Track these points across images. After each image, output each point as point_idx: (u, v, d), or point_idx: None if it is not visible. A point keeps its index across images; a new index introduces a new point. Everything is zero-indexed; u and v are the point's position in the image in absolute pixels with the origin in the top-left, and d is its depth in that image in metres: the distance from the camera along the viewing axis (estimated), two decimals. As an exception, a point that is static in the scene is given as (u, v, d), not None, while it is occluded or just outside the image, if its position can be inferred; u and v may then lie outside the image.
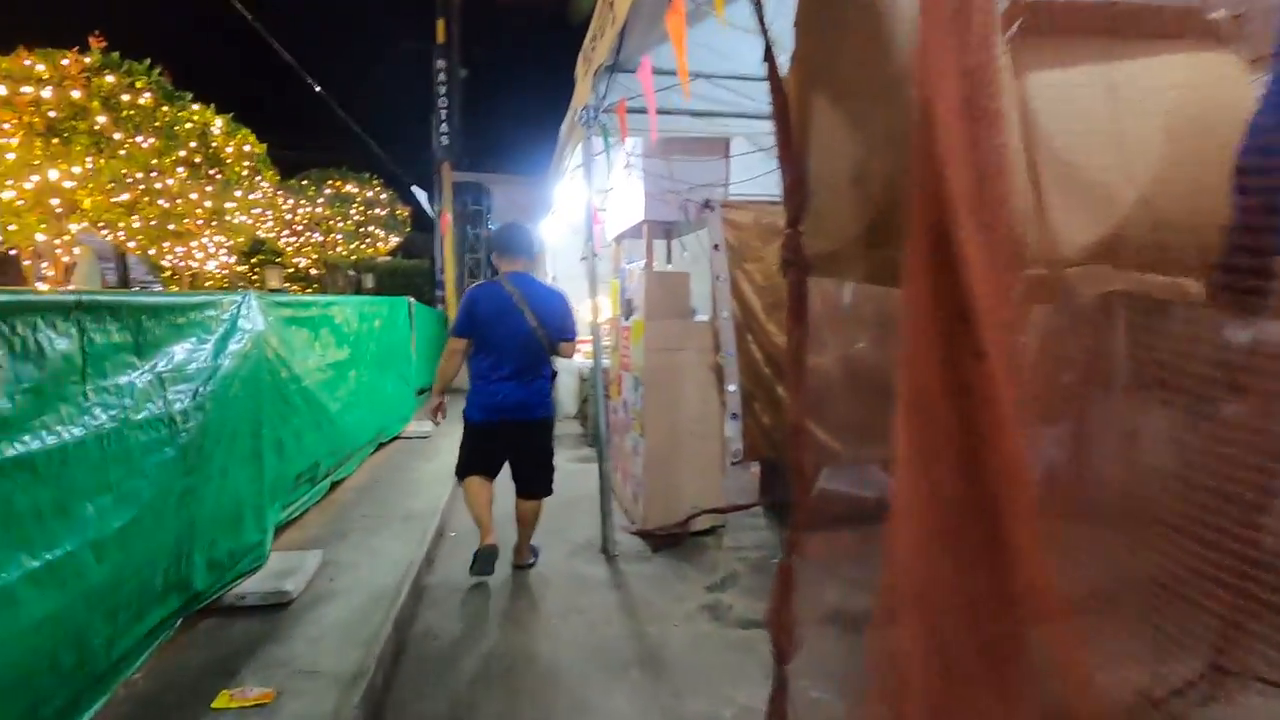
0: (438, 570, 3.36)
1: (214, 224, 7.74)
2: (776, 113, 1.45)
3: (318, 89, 7.62)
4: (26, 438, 1.63)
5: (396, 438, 6.07)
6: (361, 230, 13.77)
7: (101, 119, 5.86)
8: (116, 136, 6.00)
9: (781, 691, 1.62)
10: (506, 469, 3.29)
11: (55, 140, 5.63)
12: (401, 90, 17.63)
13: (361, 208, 13.83)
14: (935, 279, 0.64)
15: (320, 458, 4.00)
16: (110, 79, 6.04)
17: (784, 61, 1.46)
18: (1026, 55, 1.11)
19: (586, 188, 3.78)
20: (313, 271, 14.08)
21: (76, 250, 6.82)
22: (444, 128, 11.96)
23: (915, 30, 1.01)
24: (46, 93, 5.61)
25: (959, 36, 0.62)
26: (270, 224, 10.94)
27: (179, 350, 2.40)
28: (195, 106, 7.16)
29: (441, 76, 11.95)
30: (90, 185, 5.94)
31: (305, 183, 13.38)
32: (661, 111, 3.33)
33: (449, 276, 11.59)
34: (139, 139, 6.25)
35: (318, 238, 13.25)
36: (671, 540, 3.64)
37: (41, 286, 6.19)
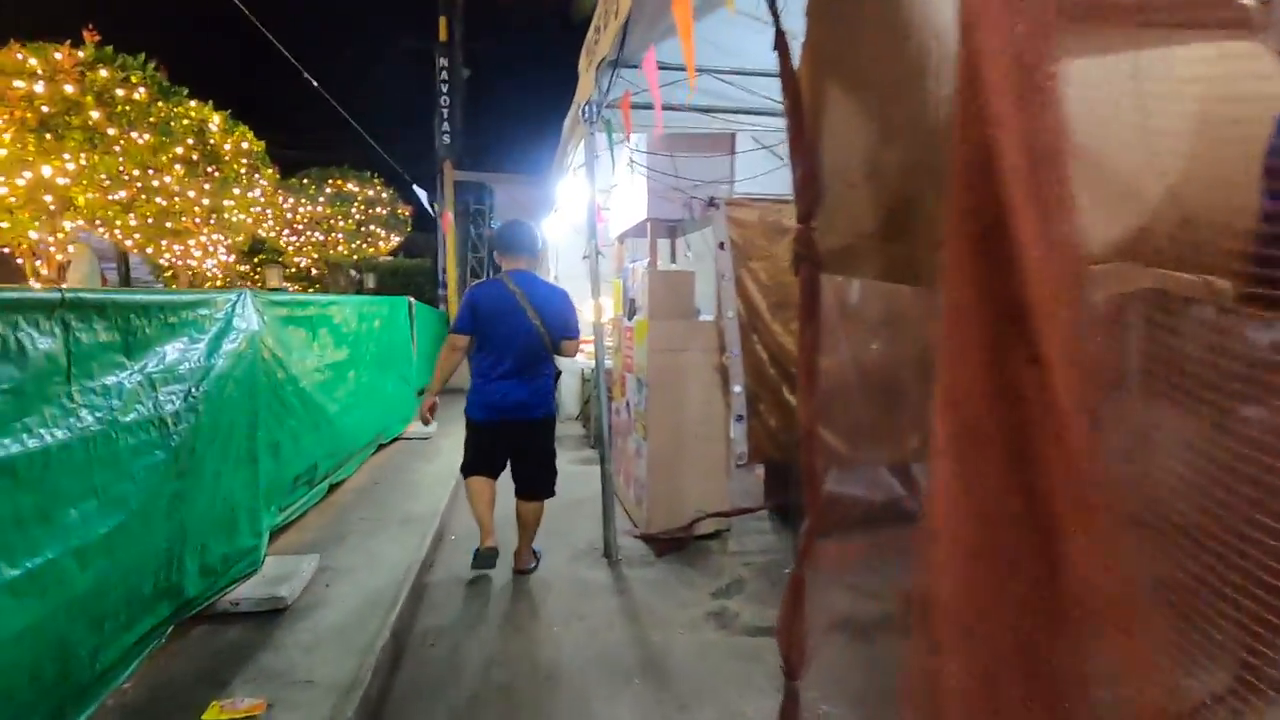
0: (437, 574, 3.29)
1: (212, 222, 7.67)
2: (788, 104, 1.39)
3: (315, 84, 7.53)
4: (6, 441, 1.57)
5: (397, 438, 6.01)
6: (363, 229, 13.70)
7: (95, 114, 5.78)
8: (110, 132, 5.92)
9: (792, 706, 1.56)
10: (508, 469, 3.27)
11: (48, 136, 5.55)
12: (403, 89, 17.58)
13: (363, 206, 13.76)
14: (981, 274, 0.57)
15: (318, 459, 3.94)
16: (104, 74, 5.94)
17: (795, 50, 1.39)
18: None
19: (589, 185, 3.72)
20: (314, 271, 14.02)
21: (71, 248, 6.75)
22: (446, 126, 11.92)
23: (940, 8, 0.94)
24: (39, 87, 5.52)
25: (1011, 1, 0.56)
26: (270, 223, 10.86)
27: (170, 350, 2.33)
28: (192, 103, 7.09)
29: (444, 75, 11.91)
30: (85, 182, 5.87)
31: (306, 181, 13.32)
32: (666, 107, 3.26)
33: (451, 276, 11.53)
34: (134, 135, 6.18)
35: (319, 237, 13.18)
36: (675, 544, 3.58)
37: (35, 285, 6.13)
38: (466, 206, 13.12)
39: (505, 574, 3.25)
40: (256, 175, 8.48)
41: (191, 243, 7.80)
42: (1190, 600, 0.70)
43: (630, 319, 4.04)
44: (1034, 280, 0.52)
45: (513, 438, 3.18)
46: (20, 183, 5.56)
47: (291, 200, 12.40)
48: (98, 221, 6.39)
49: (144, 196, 6.57)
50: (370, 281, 14.09)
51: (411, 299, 7.29)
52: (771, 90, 3.67)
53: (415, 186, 11.03)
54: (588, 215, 3.74)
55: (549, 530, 3.47)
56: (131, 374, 2.09)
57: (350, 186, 13.60)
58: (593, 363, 3.74)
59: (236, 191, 7.91)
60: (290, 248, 13.07)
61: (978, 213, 0.56)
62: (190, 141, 7.00)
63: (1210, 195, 1.14)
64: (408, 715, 2.21)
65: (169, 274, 10.59)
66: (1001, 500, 0.56)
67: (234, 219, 8.06)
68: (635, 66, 3.11)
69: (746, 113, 3.83)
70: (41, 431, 1.67)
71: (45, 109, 5.59)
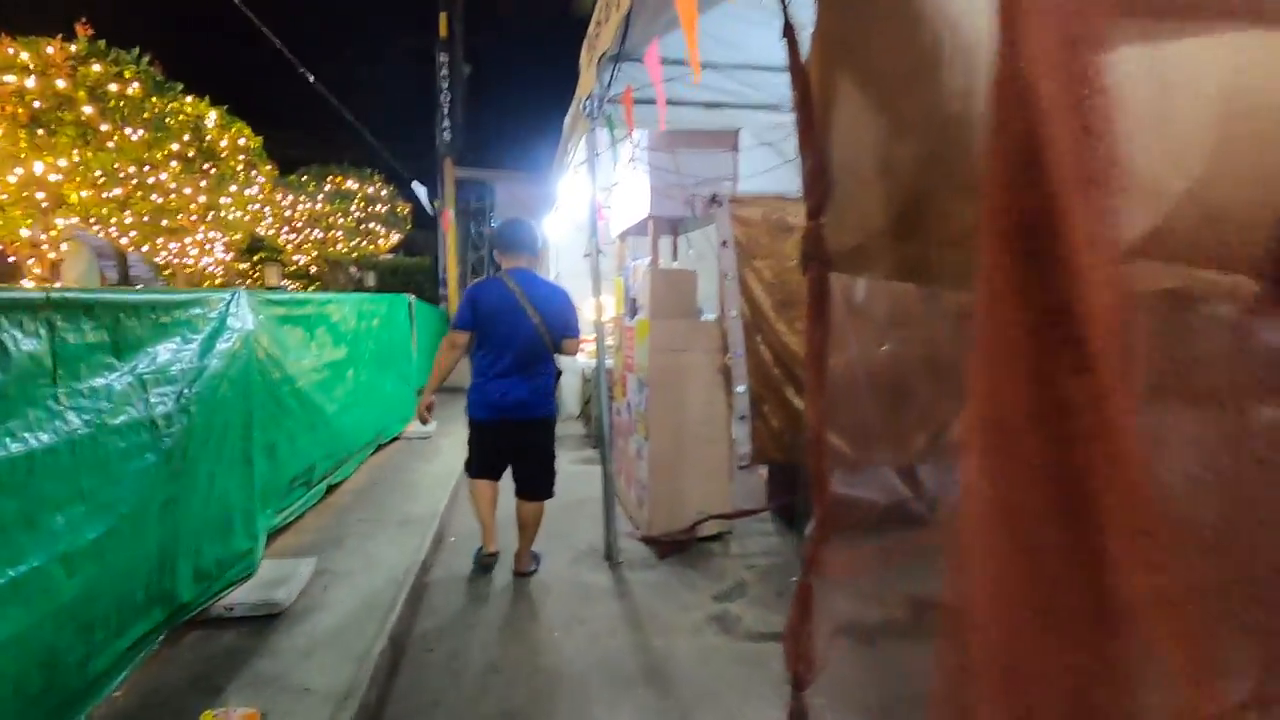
0: (436, 578, 3.25)
1: (209, 220, 7.60)
2: (797, 95, 1.33)
3: (311, 79, 7.46)
4: (-11, 445, 1.52)
5: (397, 438, 5.96)
6: (362, 227, 13.65)
7: (88, 110, 5.71)
8: (104, 128, 5.85)
9: (798, 717, 1.51)
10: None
11: (40, 132, 5.48)
12: (403, 85, 17.51)
13: (362, 204, 13.70)
14: (1022, 278, 0.52)
15: (316, 460, 3.89)
16: (97, 68, 5.87)
17: (804, 40, 1.34)
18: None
19: (590, 183, 3.67)
20: (313, 269, 13.96)
21: (65, 246, 6.69)
22: (446, 123, 11.84)
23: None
24: (30, 82, 5.45)
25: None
26: (269, 220, 10.80)
27: (162, 350, 2.28)
28: (188, 99, 7.01)
29: (444, 72, 11.83)
30: (78, 179, 5.81)
31: (305, 178, 13.25)
32: (669, 102, 3.21)
33: (451, 274, 11.48)
34: (128, 131, 6.11)
35: (318, 234, 13.12)
36: (677, 547, 3.53)
37: (28, 284, 6.08)
38: (467, 204, 13.05)
39: (505, 576, 3.21)
40: (254, 172, 8.41)
41: (188, 240, 7.74)
42: (1251, 612, 0.65)
43: (632, 318, 3.99)
44: (1084, 283, 0.47)
45: (513, 437, 3.14)
46: (11, 180, 5.50)
47: (290, 197, 12.34)
48: (92, 219, 6.32)
49: (139, 193, 6.51)
50: (370, 279, 14.03)
51: (412, 297, 7.24)
52: (776, 85, 3.62)
53: (415, 184, 10.97)
54: (589, 213, 3.69)
55: (549, 531, 3.42)
56: (121, 375, 2.04)
57: (350, 184, 13.55)
58: (594, 362, 3.69)
59: (233, 188, 7.85)
60: (289, 245, 13.00)
61: (1018, 211, 0.51)
62: (186, 138, 6.94)
63: (1235, 192, 1.09)
64: (405, 723, 2.17)
65: (167, 273, 10.56)
66: (1048, 531, 0.50)
67: (231, 216, 7.99)
68: (637, 61, 3.05)
69: (751, 108, 3.78)
70: (25, 435, 1.62)
71: (37, 104, 5.52)
